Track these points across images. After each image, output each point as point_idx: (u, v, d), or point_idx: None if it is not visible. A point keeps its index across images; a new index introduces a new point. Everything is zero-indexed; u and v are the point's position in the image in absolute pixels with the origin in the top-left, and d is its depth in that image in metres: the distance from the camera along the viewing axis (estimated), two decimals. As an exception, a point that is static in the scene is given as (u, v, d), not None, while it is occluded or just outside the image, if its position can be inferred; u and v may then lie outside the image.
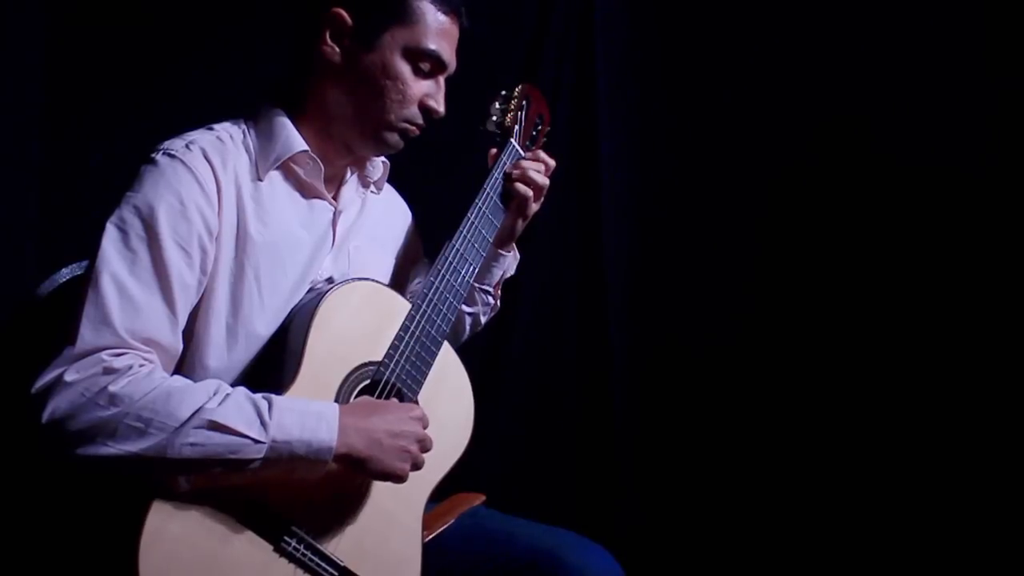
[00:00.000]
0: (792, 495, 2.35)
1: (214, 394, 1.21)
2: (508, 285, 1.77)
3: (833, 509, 2.32)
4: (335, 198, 1.50)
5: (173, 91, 2.07)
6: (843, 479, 2.32)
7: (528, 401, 2.46)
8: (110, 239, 1.26)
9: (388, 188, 1.65)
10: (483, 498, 1.55)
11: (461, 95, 1.64)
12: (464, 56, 1.58)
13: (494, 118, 1.63)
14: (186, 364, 1.32)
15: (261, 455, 1.19)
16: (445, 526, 1.48)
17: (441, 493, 1.47)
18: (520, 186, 1.58)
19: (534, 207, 1.62)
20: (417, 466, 1.31)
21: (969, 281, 2.26)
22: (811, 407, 2.35)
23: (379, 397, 1.36)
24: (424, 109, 1.45)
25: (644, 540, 2.35)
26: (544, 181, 1.61)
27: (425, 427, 1.33)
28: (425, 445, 1.32)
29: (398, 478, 1.30)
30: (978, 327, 2.25)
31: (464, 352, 1.54)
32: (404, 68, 1.42)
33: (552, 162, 1.64)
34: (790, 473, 2.36)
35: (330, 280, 1.45)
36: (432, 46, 1.43)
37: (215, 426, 1.18)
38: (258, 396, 1.23)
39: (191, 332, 1.32)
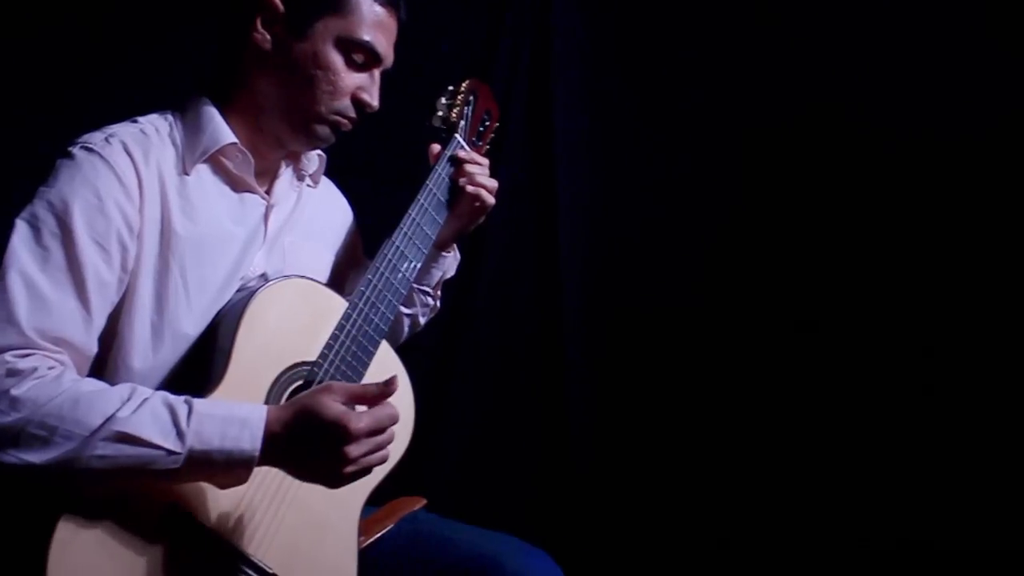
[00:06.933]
0: (744, 501, 2.31)
1: (128, 399, 1.15)
2: (462, 286, 1.74)
3: (799, 512, 2.27)
4: (268, 192, 1.46)
5: (107, 85, 2.02)
6: (807, 485, 2.27)
7: (473, 403, 2.42)
8: (20, 236, 1.21)
9: (327, 182, 1.62)
10: (423, 502, 1.52)
11: (409, 91, 1.62)
12: (414, 52, 1.54)
13: (439, 113, 1.60)
14: (109, 366, 1.28)
15: (177, 465, 1.13)
16: (383, 531, 1.44)
17: (380, 497, 1.43)
18: (472, 189, 1.54)
19: (489, 208, 1.59)
20: (371, 466, 1.20)
21: (941, 267, 2.21)
22: (772, 410, 2.32)
23: None
24: (357, 102, 1.42)
25: (587, 545, 2.31)
26: (493, 182, 1.58)
27: (372, 430, 1.17)
28: (379, 442, 1.19)
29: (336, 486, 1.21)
30: (952, 310, 2.20)
31: (411, 353, 1.50)
32: (336, 59, 1.39)
33: (485, 160, 1.60)
34: (741, 480, 2.32)
35: (264, 277, 1.40)
36: (366, 37, 1.39)
37: (126, 438, 1.11)
38: (178, 400, 1.17)
39: (114, 332, 1.28)
